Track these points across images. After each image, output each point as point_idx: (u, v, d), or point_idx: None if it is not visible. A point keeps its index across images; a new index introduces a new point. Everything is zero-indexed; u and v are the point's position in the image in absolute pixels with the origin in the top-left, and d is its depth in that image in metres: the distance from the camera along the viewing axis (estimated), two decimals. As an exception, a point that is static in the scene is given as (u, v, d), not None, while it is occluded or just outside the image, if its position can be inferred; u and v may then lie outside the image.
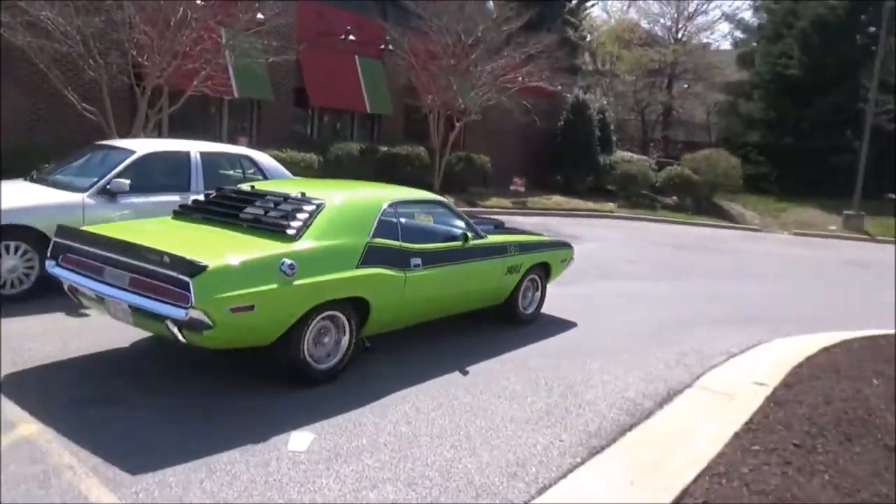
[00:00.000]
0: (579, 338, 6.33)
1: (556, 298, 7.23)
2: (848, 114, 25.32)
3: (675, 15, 32.20)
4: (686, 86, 33.06)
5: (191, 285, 3.84)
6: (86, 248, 4.51)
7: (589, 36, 31.76)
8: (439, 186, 17.31)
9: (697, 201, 22.22)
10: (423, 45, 16.76)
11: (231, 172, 7.56)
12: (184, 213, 5.24)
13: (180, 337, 4.04)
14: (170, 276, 3.95)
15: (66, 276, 4.56)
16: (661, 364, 5.64)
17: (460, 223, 5.93)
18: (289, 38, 15.51)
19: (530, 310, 6.69)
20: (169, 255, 3.96)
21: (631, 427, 4.30)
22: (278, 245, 4.39)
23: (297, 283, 4.25)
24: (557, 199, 20.08)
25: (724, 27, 34.89)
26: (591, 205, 20.31)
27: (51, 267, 4.70)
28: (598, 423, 4.32)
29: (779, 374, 5.20)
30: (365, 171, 16.75)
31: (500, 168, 19.69)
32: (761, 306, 8.65)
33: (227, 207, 5.08)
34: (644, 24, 32.27)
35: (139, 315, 4.18)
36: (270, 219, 4.75)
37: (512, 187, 19.54)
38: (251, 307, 4.04)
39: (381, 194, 5.43)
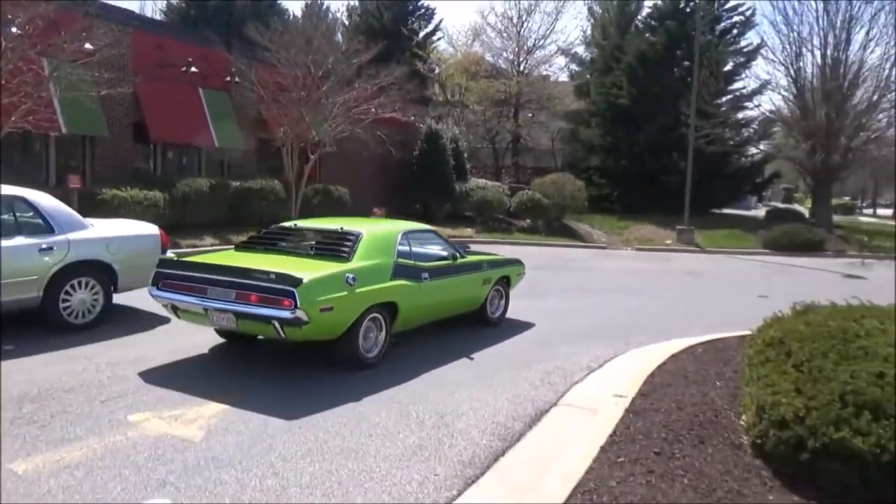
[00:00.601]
0: (448, 364, 6.32)
1: (425, 325, 7.20)
2: (673, 138, 27.86)
3: (516, 49, 33.96)
4: (531, 115, 34.86)
5: (296, 293, 5.19)
6: (187, 273, 5.78)
7: (437, 68, 32.68)
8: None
9: (549, 223, 23.36)
10: (272, 77, 16.37)
11: (3, 217, 6.49)
12: (246, 246, 6.79)
13: (282, 333, 5.41)
14: (277, 288, 5.27)
15: (169, 297, 5.79)
16: (527, 384, 5.75)
17: (448, 246, 7.55)
18: (124, 69, 14.58)
19: (497, 314, 8.22)
20: (274, 272, 5.35)
21: (504, 452, 4.32)
22: (339, 265, 5.86)
23: (357, 291, 5.72)
24: (417, 228, 20.25)
25: (561, 61, 37.11)
26: (450, 231, 20.68)
27: (153, 291, 5.90)
28: (472, 451, 4.29)
29: (635, 384, 5.47)
30: (216, 207, 15.98)
31: (359, 199, 19.56)
32: (614, 319, 9.15)
33: (280, 240, 6.72)
34: (488, 57, 33.71)
35: (244, 320, 5.51)
36: (327, 246, 6.27)
37: (372, 217, 19.49)
38: (331, 308, 5.48)
39: (395, 227, 7.07)
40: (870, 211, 60.45)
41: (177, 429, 4.46)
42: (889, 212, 58.14)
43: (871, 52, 25.20)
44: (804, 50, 25.58)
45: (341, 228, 6.50)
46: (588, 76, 33.82)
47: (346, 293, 5.60)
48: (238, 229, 15.76)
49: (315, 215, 18.01)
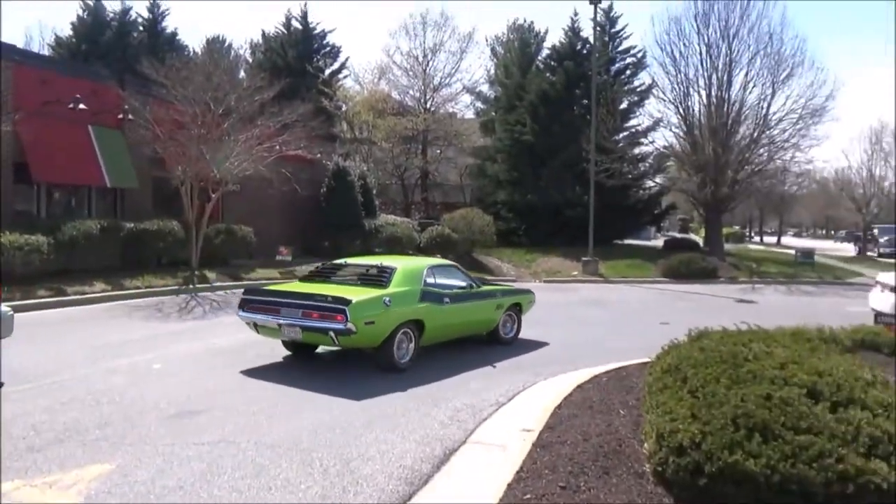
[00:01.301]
0: (356, 406, 6.12)
1: (340, 360, 6.97)
2: (575, 173, 28.87)
3: (423, 87, 34.49)
4: (439, 151, 35.31)
5: (347, 311, 6.92)
6: (266, 298, 7.76)
7: (344, 105, 32.61)
8: (198, 262, 16.16)
9: (459, 258, 23.45)
10: (169, 114, 15.77)
11: None
12: (307, 278, 8.86)
13: (336, 342, 7.16)
14: (333, 307, 7.02)
15: (252, 317, 7.67)
16: (436, 424, 5.64)
17: (466, 278, 9.21)
18: (3, 106, 13.65)
19: (509, 335, 9.68)
20: (330, 296, 7.21)
21: (410, 496, 4.17)
22: (379, 291, 7.57)
23: (392, 310, 7.41)
24: (326, 266, 19.84)
25: (467, 98, 38.00)
26: (360, 269, 20.40)
27: (240, 313, 7.80)
28: (377, 498, 4.12)
29: (543, 417, 5.46)
30: (108, 250, 15.10)
31: (265, 238, 19.03)
32: (524, 351, 9.18)
33: (332, 273, 8.64)
34: (395, 94, 33.96)
35: (308, 332, 7.26)
36: (369, 277, 8.12)
37: (278, 257, 18.99)
38: (373, 322, 7.17)
39: (423, 262, 8.96)
40: (757, 239, 64.76)
41: (52, 497, 4.05)
42: (774, 239, 62.56)
43: (750, 92, 27.08)
44: (691, 90, 27.30)
45: (381, 263, 8.39)
46: (493, 113, 34.71)
47: (384, 311, 7.29)
48: (133, 273, 14.91)
49: (218, 256, 17.44)
